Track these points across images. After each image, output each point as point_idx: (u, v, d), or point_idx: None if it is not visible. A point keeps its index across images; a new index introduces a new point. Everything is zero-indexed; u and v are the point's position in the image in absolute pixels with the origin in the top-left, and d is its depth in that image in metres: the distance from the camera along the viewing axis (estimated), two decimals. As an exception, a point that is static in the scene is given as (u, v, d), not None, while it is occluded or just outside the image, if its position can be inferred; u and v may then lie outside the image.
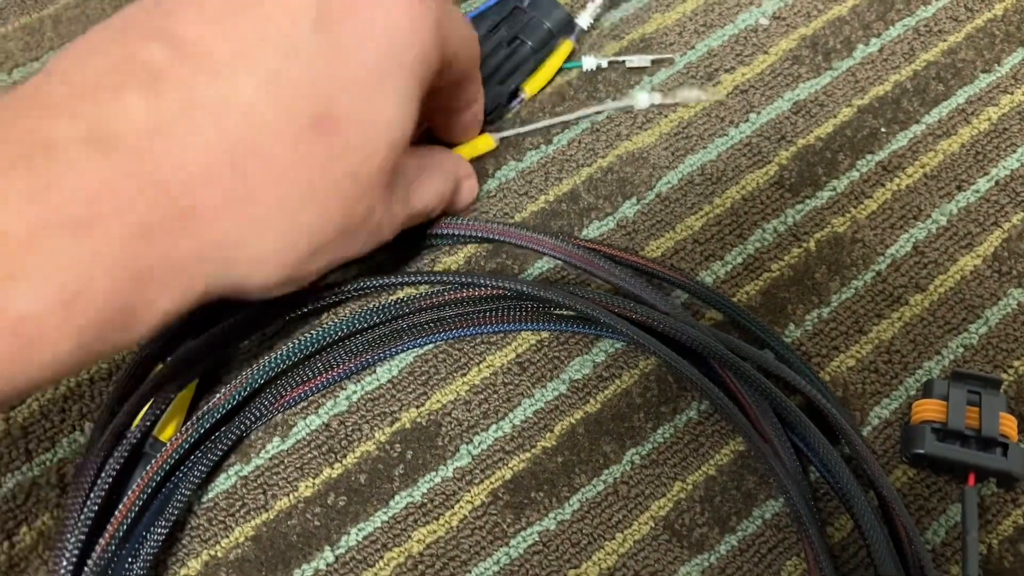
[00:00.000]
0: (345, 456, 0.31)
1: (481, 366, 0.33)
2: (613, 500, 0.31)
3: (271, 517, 0.30)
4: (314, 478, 0.31)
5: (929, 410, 0.31)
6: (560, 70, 0.37)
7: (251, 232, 0.23)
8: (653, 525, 0.31)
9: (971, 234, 0.36)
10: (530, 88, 0.36)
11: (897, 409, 0.33)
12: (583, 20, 0.37)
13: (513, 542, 0.30)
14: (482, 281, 0.31)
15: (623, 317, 0.30)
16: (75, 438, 0.31)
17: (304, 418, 0.32)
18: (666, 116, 0.37)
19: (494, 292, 0.32)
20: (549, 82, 0.37)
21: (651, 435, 0.32)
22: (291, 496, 0.30)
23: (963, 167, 0.37)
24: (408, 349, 0.32)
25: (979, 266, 0.35)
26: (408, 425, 0.32)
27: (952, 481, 0.32)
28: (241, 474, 0.31)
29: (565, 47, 0.37)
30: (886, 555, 0.28)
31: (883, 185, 0.36)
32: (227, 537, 0.30)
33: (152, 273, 0.21)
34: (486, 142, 0.35)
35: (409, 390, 0.32)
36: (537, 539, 0.30)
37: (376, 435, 0.31)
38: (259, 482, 0.31)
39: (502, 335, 0.33)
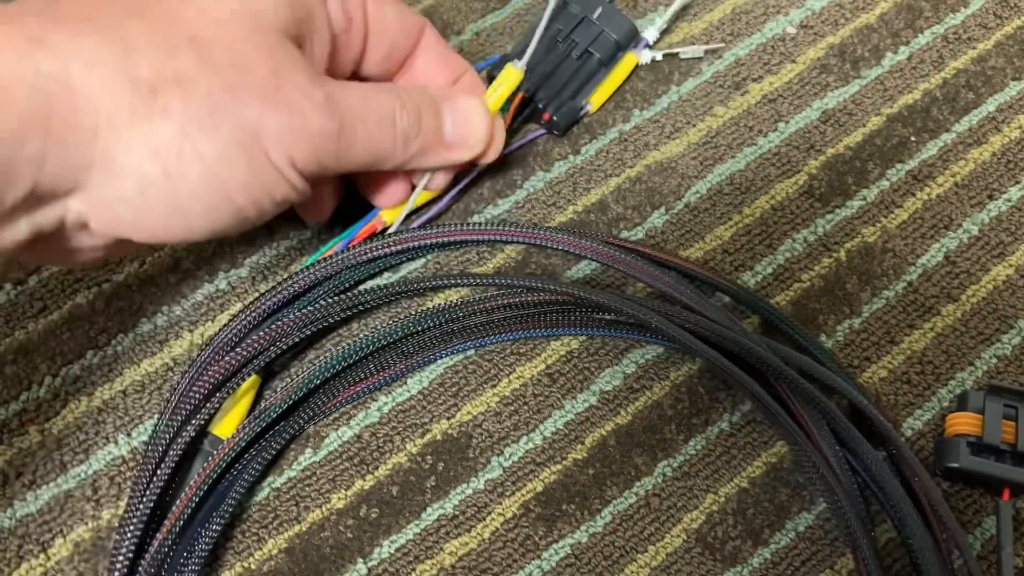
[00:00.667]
0: (377, 468, 0.31)
1: (511, 377, 0.33)
2: (645, 513, 0.31)
3: (304, 529, 0.30)
4: (346, 490, 0.31)
5: (964, 423, 0.30)
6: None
7: (65, 26, 0.23)
8: (685, 538, 0.31)
9: (1003, 243, 0.35)
10: (595, 101, 0.36)
11: (930, 420, 0.33)
12: (650, 34, 0.37)
13: (545, 555, 0.30)
14: (538, 284, 0.31)
15: (676, 323, 0.30)
16: (109, 451, 0.31)
17: (336, 430, 0.32)
18: (694, 126, 0.37)
19: (546, 297, 0.32)
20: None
21: (683, 447, 0.32)
22: (324, 508, 0.31)
23: (994, 176, 0.37)
24: (448, 355, 0.33)
25: (1011, 276, 0.35)
26: (439, 437, 0.32)
27: (987, 494, 0.31)
28: (274, 486, 0.31)
29: (629, 60, 0.37)
30: (934, 560, 0.28)
31: (913, 194, 0.36)
32: (260, 549, 0.30)
33: None
34: (510, 76, 0.32)
35: (440, 402, 0.32)
36: (569, 552, 0.30)
37: (407, 447, 0.32)
38: (292, 494, 0.31)
39: (532, 346, 0.33)
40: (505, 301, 0.32)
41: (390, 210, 0.33)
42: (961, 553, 0.29)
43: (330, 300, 0.31)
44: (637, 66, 0.37)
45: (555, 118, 0.35)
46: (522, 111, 0.36)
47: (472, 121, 0.30)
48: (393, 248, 0.32)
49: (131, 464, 0.31)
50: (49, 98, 0.22)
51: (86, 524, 0.30)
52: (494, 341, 0.33)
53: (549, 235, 0.32)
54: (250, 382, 0.31)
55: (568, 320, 0.33)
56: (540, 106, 0.35)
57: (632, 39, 0.37)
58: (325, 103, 0.26)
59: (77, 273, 0.33)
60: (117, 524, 0.29)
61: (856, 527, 0.29)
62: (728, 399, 0.33)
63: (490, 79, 0.33)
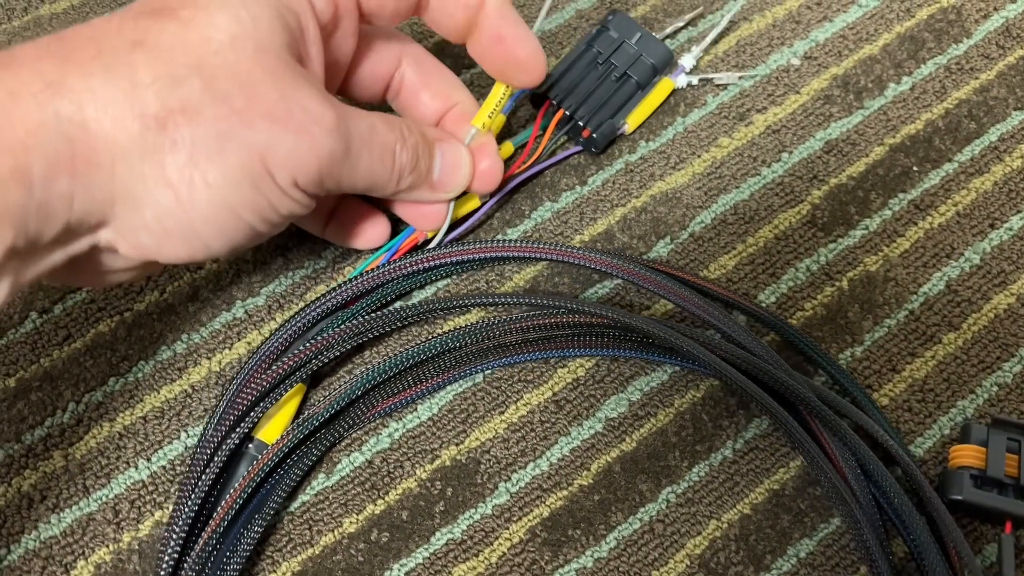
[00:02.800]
0: (388, 493, 0.32)
1: (519, 404, 0.33)
2: (649, 538, 0.32)
3: (317, 553, 0.31)
4: (358, 514, 0.32)
5: (968, 456, 0.31)
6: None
7: (82, 71, 0.24)
8: (689, 564, 0.31)
9: (1004, 272, 0.36)
10: (632, 122, 0.37)
11: (931, 448, 0.33)
12: (687, 61, 0.38)
13: (551, 579, 0.31)
14: (574, 305, 0.32)
15: (712, 351, 0.32)
16: (130, 475, 0.32)
17: (348, 455, 0.33)
18: (699, 156, 0.38)
19: (574, 319, 0.33)
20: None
21: (686, 473, 0.32)
22: (336, 532, 0.31)
23: (996, 205, 0.37)
24: (456, 382, 0.34)
25: (1013, 304, 0.35)
26: (448, 462, 0.33)
27: (988, 524, 0.32)
28: (288, 510, 0.32)
29: (665, 85, 0.38)
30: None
31: (916, 224, 0.37)
32: (274, 573, 0.31)
33: None
34: (497, 91, 0.33)
35: (449, 428, 0.33)
36: (575, 576, 0.31)
37: (417, 472, 0.32)
38: (305, 518, 0.32)
39: (538, 374, 0.34)
40: (527, 323, 0.33)
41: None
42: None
43: (371, 315, 0.32)
44: (673, 91, 0.38)
45: (594, 135, 0.36)
46: (563, 127, 0.37)
47: (458, 167, 0.32)
48: (431, 263, 0.33)
49: (151, 488, 0.32)
50: (71, 140, 0.23)
51: (107, 547, 0.31)
52: (510, 362, 0.34)
53: (580, 254, 0.33)
54: (295, 389, 0.32)
55: (591, 342, 0.33)
56: (580, 123, 0.37)
57: (668, 64, 0.38)
58: (336, 126, 0.27)
59: (99, 302, 0.34)
60: (167, 521, 0.30)
61: (872, 543, 0.30)
62: (731, 426, 0.33)
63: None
